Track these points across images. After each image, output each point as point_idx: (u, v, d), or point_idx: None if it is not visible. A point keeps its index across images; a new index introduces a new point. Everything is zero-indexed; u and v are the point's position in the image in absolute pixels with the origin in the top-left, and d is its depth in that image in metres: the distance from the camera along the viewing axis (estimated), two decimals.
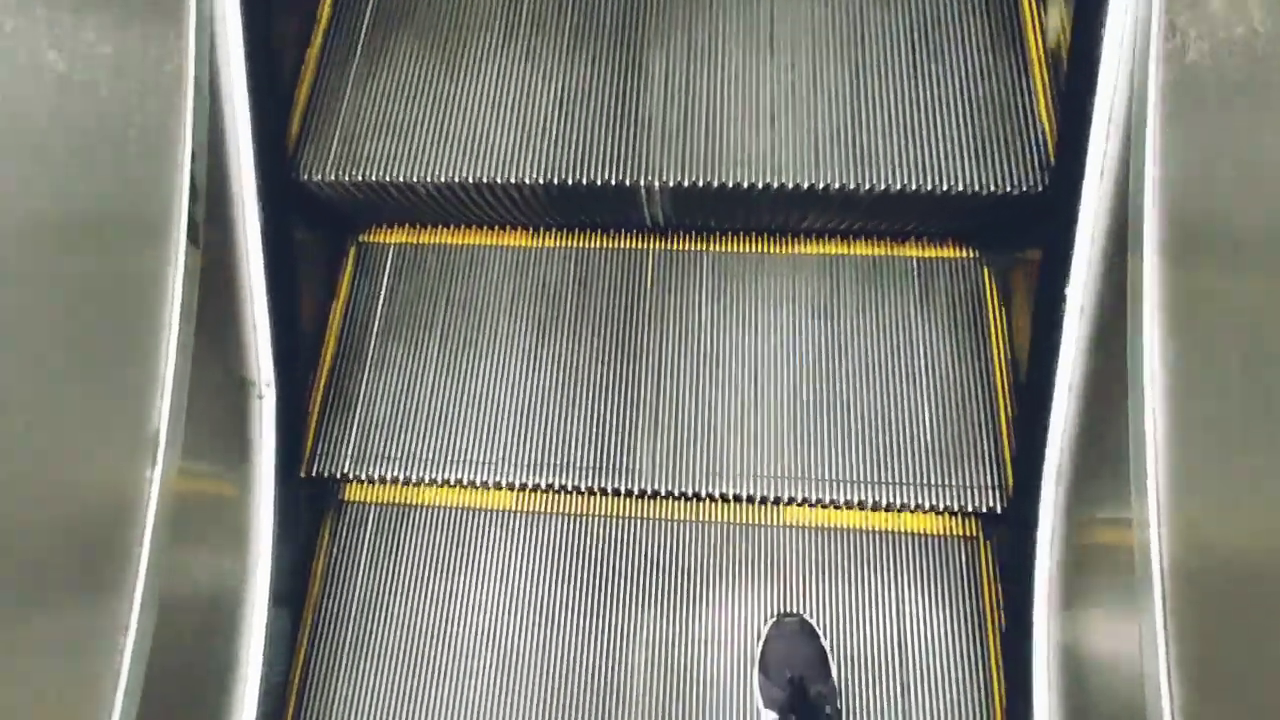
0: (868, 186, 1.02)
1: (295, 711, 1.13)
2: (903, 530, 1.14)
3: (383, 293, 1.27)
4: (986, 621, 1.09)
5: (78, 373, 0.70)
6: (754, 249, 1.26)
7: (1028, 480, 0.99)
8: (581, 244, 1.28)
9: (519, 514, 1.20)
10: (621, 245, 1.27)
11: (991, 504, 1.07)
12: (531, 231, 1.29)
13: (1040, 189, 1.00)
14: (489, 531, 1.19)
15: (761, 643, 1.09)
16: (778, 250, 1.25)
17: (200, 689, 0.94)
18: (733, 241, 1.27)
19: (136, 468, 0.77)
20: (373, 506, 1.22)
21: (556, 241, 1.28)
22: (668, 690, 1.09)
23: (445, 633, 1.14)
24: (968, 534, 1.14)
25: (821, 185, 1.03)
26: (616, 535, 1.18)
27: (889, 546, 1.13)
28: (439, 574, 1.18)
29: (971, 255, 1.23)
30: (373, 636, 1.15)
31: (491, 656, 1.13)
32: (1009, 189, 1.00)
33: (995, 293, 1.20)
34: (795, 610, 1.11)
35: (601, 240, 1.28)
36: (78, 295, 0.70)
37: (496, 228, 1.30)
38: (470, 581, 1.17)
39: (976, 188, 1.01)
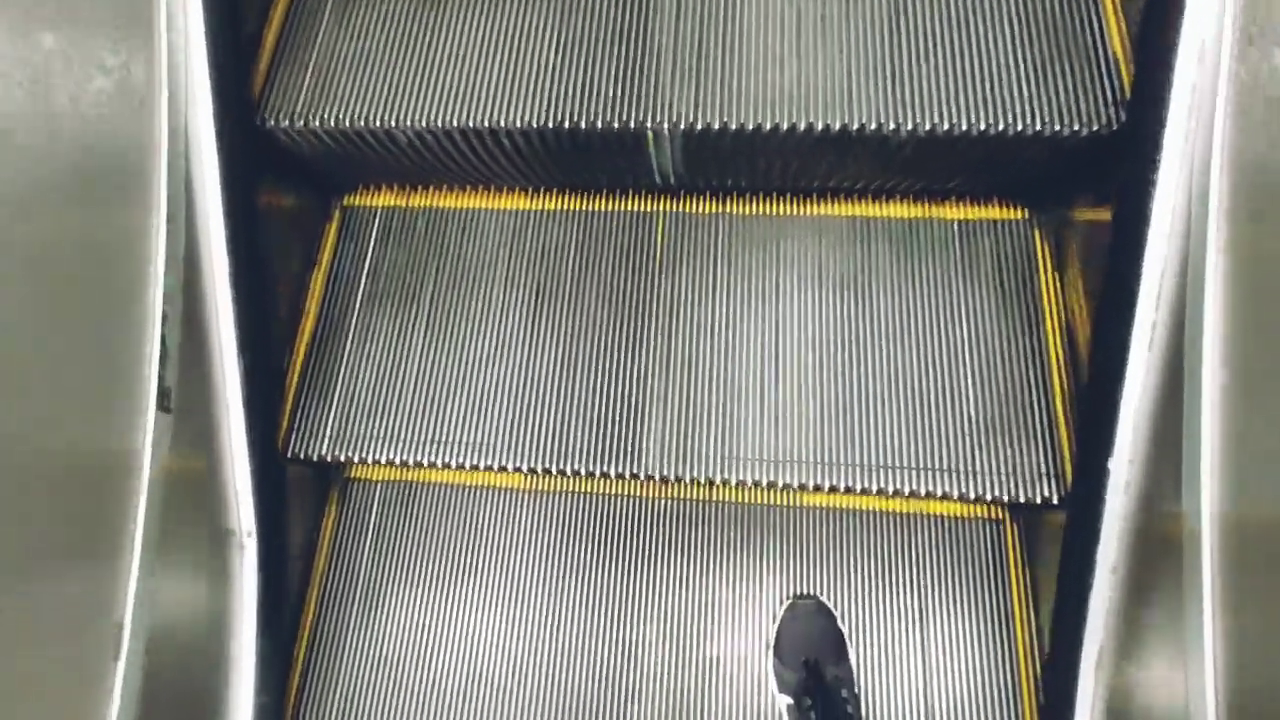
0: (910, 126, 0.89)
1: (300, 687, 1.10)
2: (924, 513, 1.10)
3: (368, 260, 1.19)
4: (1013, 607, 1.05)
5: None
6: (775, 211, 1.15)
7: (1090, 469, 0.87)
8: (584, 206, 1.19)
9: (527, 492, 1.17)
10: (628, 207, 1.18)
11: (1046, 493, 0.95)
12: (530, 193, 1.19)
13: (1113, 128, 0.86)
14: (496, 509, 1.17)
15: (776, 625, 1.05)
16: (801, 212, 1.15)
17: (198, 672, 0.93)
18: (751, 203, 1.16)
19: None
20: (378, 484, 1.20)
21: (557, 203, 1.18)
22: (679, 673, 1.06)
23: (451, 611, 1.12)
24: (993, 517, 1.10)
25: (855, 126, 0.90)
26: (626, 514, 1.15)
27: (909, 529, 1.10)
28: (445, 552, 1.15)
29: (1021, 215, 1.10)
30: (377, 613, 1.13)
31: (498, 635, 1.11)
32: (1076, 128, 0.86)
33: (1049, 257, 1.07)
34: (811, 592, 1.07)
35: (606, 202, 1.18)
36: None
37: (492, 189, 1.20)
38: (477, 560, 1.14)
39: (1037, 127, 0.87)
